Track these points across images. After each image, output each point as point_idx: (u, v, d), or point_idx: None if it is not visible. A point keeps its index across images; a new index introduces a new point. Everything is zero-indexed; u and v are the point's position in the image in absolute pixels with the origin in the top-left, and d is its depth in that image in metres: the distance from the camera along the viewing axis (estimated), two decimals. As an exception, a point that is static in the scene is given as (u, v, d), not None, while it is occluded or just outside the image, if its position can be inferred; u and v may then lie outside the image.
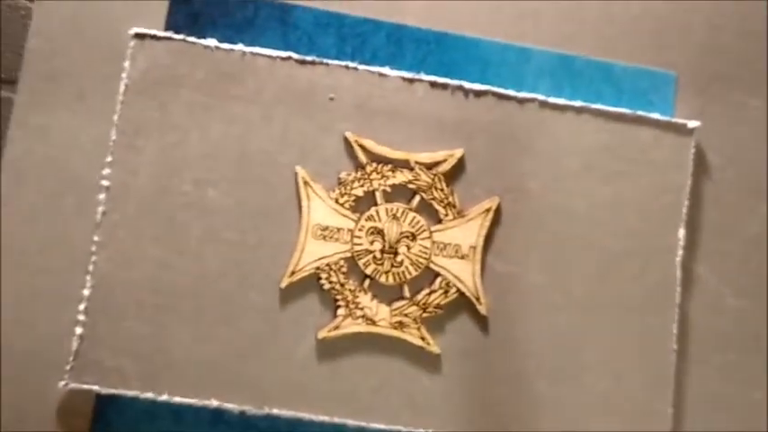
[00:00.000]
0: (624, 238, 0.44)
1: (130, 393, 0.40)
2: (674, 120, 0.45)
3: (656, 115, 0.45)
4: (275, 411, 0.41)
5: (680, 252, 0.44)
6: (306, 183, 0.42)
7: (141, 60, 0.42)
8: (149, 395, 0.40)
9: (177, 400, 0.40)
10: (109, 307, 0.41)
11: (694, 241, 0.46)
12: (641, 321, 0.44)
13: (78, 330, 0.40)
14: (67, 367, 0.40)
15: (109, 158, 0.41)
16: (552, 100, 0.44)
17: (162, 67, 0.42)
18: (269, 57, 0.43)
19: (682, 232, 0.44)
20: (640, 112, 0.45)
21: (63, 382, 0.40)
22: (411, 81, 0.44)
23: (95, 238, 0.41)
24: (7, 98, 0.42)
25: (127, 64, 0.42)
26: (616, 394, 0.43)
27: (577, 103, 0.44)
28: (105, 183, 0.41)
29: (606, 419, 0.43)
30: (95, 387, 0.40)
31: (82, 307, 0.40)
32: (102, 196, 0.41)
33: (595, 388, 0.43)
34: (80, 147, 0.41)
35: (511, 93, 0.44)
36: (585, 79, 0.46)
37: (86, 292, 0.40)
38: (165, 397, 0.40)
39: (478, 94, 0.44)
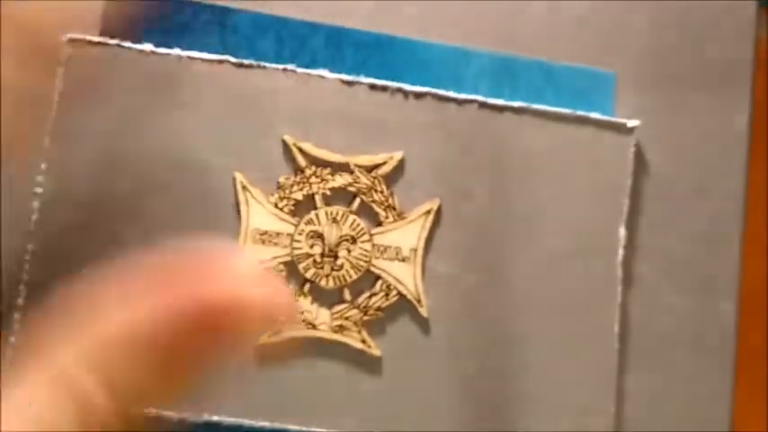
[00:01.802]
0: (566, 238, 0.44)
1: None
2: (613, 119, 0.45)
3: (595, 115, 0.45)
4: (215, 418, 0.41)
5: (621, 251, 0.45)
6: (244, 187, 0.42)
7: (75, 66, 0.41)
8: (86, 404, 0.40)
9: (115, 408, 0.40)
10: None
11: (635, 240, 0.46)
12: (583, 321, 0.44)
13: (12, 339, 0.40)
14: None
15: (43, 166, 0.41)
16: (491, 101, 0.44)
17: (96, 73, 0.42)
18: (206, 60, 0.42)
19: (622, 231, 0.45)
20: (580, 112, 0.45)
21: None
22: (350, 84, 0.43)
23: (29, 247, 0.40)
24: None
25: (60, 71, 0.41)
26: (559, 395, 0.43)
27: (517, 104, 0.45)
28: (39, 190, 0.41)
29: (549, 420, 0.43)
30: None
31: (17, 316, 0.40)
32: (35, 204, 0.41)
33: (538, 389, 0.43)
34: (12, 153, 0.41)
35: (451, 94, 0.44)
36: (526, 80, 0.46)
37: (21, 301, 0.40)
38: (102, 405, 0.40)
39: (418, 95, 0.44)
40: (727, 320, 0.46)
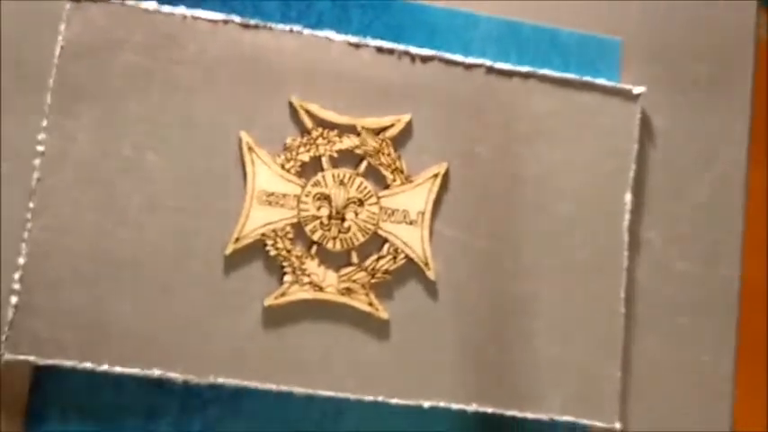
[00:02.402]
0: (572, 202, 0.44)
1: (68, 363, 0.39)
2: (619, 85, 0.45)
3: (601, 81, 0.45)
4: (220, 380, 0.40)
5: (627, 216, 0.45)
6: (250, 148, 0.41)
7: (77, 24, 0.41)
8: (88, 365, 0.39)
9: (118, 369, 0.39)
10: (45, 276, 0.39)
11: (642, 206, 0.46)
12: (590, 286, 0.44)
13: (14, 300, 0.39)
14: (2, 338, 0.39)
15: (44, 123, 0.40)
16: (499, 65, 0.44)
17: (99, 31, 0.41)
18: (211, 20, 0.42)
19: (628, 197, 0.45)
20: (586, 78, 0.45)
21: (-2, 354, 0.39)
22: (357, 46, 0.43)
23: (31, 205, 0.39)
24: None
25: (63, 27, 0.40)
26: (565, 359, 0.43)
27: (524, 69, 0.44)
28: (40, 148, 0.40)
29: (555, 384, 0.43)
30: (32, 358, 0.39)
31: (17, 276, 0.39)
32: (37, 162, 0.40)
33: (545, 353, 0.43)
34: (14, 111, 0.40)
35: (458, 58, 0.44)
36: (532, 46, 0.46)
37: (22, 260, 0.39)
38: (104, 367, 0.39)
39: (425, 59, 0.43)
40: (731, 287, 0.46)
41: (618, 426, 0.43)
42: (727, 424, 0.45)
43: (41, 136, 0.40)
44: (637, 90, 0.45)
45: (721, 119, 0.47)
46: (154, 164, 0.41)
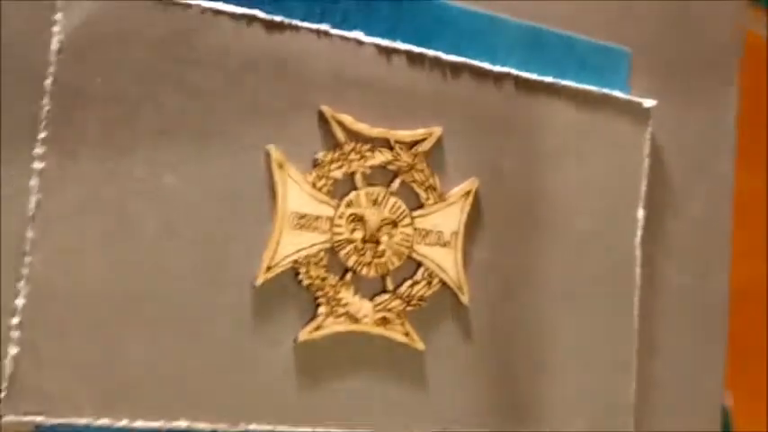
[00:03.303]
0: (590, 218, 0.43)
1: (82, 422, 0.33)
2: (632, 98, 0.45)
3: (616, 93, 0.44)
4: (252, 428, 0.36)
5: (639, 233, 0.44)
6: (281, 165, 0.37)
7: (76, 14, 0.34)
8: (105, 421, 0.33)
9: (139, 425, 0.34)
10: (49, 319, 0.33)
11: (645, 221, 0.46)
12: (605, 304, 0.44)
13: (13, 350, 0.32)
14: (1, 395, 0.32)
15: (42, 135, 0.33)
16: (526, 76, 0.42)
17: (104, 24, 0.34)
18: (232, 15, 0.36)
19: (641, 212, 0.45)
20: (605, 90, 0.44)
21: (-6, 415, 0.32)
22: (387, 51, 0.39)
23: (29, 235, 0.33)
24: None
25: (59, 19, 0.33)
26: (584, 382, 0.43)
27: (549, 80, 0.43)
28: (38, 165, 0.33)
29: (577, 409, 0.42)
30: (39, 419, 0.33)
31: (16, 321, 0.32)
32: (34, 182, 0.33)
33: (567, 378, 0.42)
34: (8, 120, 0.33)
35: (487, 67, 0.41)
36: (552, 53, 0.44)
37: (20, 302, 0.32)
38: (124, 422, 0.34)
39: (455, 68, 0.40)
40: (721, 297, 0.48)
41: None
42: None
43: (39, 150, 0.33)
44: (647, 104, 0.45)
45: (711, 131, 0.48)
46: (170, 184, 0.35)
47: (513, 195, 0.42)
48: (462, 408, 0.40)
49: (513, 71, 0.42)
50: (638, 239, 0.44)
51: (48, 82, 0.33)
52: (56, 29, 0.33)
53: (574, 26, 0.45)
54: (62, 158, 0.33)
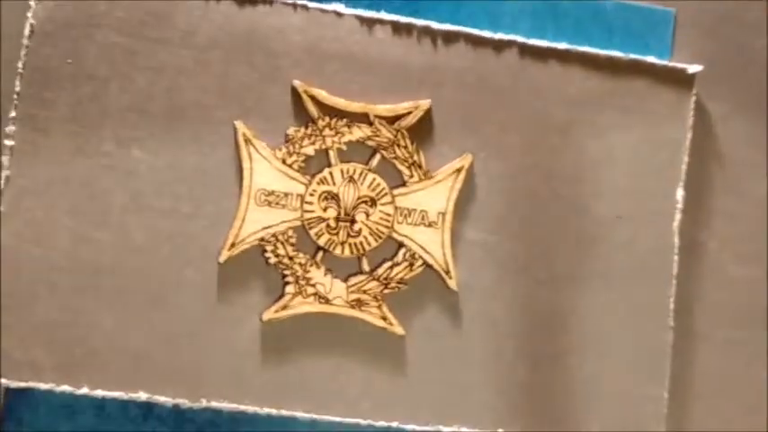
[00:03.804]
0: (613, 200, 0.39)
1: (44, 386, 0.35)
2: (671, 64, 0.39)
3: (651, 59, 0.39)
4: (214, 404, 0.36)
5: (678, 216, 0.39)
6: (247, 140, 0.36)
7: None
8: (66, 388, 0.35)
9: (99, 393, 0.35)
10: (17, 289, 0.35)
11: (693, 204, 0.40)
12: (634, 296, 0.39)
13: (-19, 315, 0.35)
14: (-31, 358, 0.34)
15: (13, 113, 0.35)
16: (533, 42, 0.38)
17: (74, 5, 0.36)
18: (202, -7, 0.36)
19: (680, 193, 0.39)
20: (634, 56, 0.39)
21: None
22: (370, 22, 0.37)
23: (-1, 208, 0.35)
24: None
25: (32, 2, 0.35)
26: (604, 378, 0.38)
27: (562, 47, 0.39)
28: (9, 143, 0.35)
29: (593, 407, 0.38)
30: (3, 381, 0.35)
31: None
32: (5, 159, 0.35)
33: (581, 372, 0.38)
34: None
35: (486, 35, 0.38)
36: (572, 19, 0.40)
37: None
38: (84, 390, 0.35)
39: (448, 37, 0.38)
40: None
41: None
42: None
43: (11, 128, 0.35)
44: (692, 69, 0.39)
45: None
46: (138, 159, 0.36)
47: (516, 173, 0.38)
48: (449, 399, 0.37)
49: (518, 38, 0.38)
50: (676, 223, 0.39)
51: (19, 64, 0.35)
52: (29, 13, 0.35)
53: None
54: (33, 135, 0.35)
